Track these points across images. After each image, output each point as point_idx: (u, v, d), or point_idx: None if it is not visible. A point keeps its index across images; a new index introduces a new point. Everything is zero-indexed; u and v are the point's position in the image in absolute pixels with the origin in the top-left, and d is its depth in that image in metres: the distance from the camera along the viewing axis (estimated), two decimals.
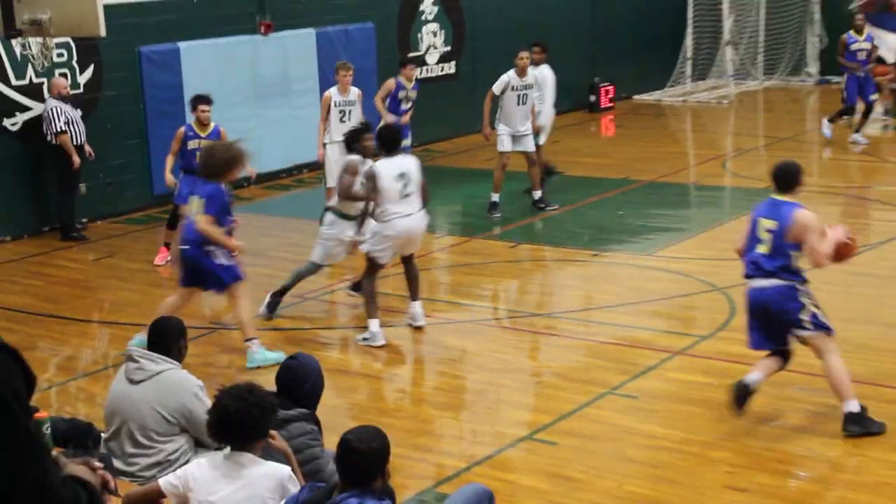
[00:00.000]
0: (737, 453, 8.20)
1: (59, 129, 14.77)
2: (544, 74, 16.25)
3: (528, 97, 15.46)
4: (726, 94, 25.41)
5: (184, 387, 7.00)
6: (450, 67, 21.56)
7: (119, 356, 9.12)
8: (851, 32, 19.44)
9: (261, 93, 17.98)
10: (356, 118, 14.37)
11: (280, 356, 9.36)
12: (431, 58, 21.18)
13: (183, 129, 13.72)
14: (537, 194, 15.88)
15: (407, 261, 11.14)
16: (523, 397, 9.62)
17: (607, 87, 24.17)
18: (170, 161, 13.74)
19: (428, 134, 19.94)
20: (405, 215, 10.70)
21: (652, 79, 26.19)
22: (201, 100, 13.63)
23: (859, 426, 8.36)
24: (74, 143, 14.89)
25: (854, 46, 18.97)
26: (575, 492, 7.71)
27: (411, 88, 15.92)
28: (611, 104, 24.17)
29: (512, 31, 21.95)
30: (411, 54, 20.63)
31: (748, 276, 8.66)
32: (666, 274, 12.70)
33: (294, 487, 5.58)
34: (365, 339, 10.78)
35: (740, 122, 23.30)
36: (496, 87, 15.40)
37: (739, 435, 8.49)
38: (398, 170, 10.69)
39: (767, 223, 8.52)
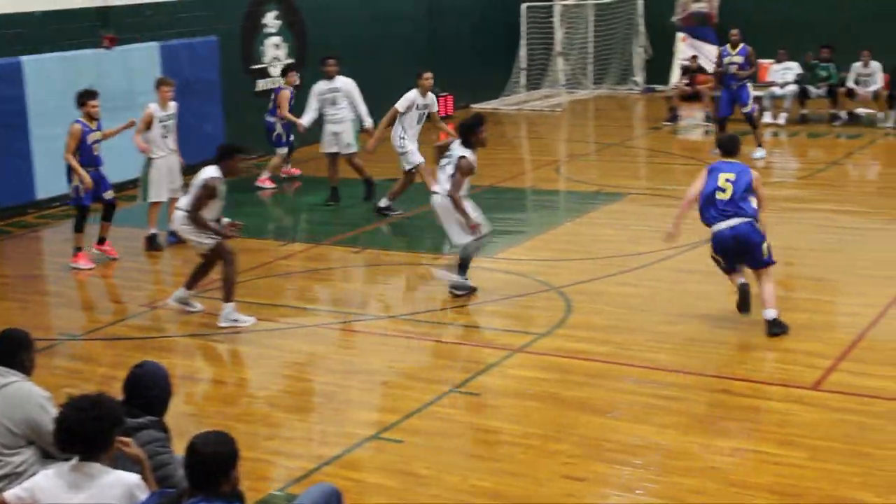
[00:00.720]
0: (574, 445, 8.27)
1: None
2: (348, 85, 16.51)
3: (426, 115, 15.68)
4: (559, 102, 25.78)
5: (30, 399, 6.76)
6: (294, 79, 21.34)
7: None
8: (727, 46, 19.75)
9: (106, 106, 17.50)
10: (173, 132, 14.40)
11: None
12: (275, 70, 20.98)
13: (78, 125, 13.54)
14: (384, 201, 15.86)
15: None
16: (370, 398, 9.56)
17: (446, 97, 24.26)
18: (74, 160, 13.48)
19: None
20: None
21: (489, 89, 26.42)
22: (90, 95, 13.65)
23: (780, 328, 10.32)
24: None
25: (727, 60, 19.37)
26: (421, 487, 7.68)
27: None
28: (450, 113, 24.27)
29: (351, 43, 21.89)
30: (254, 66, 20.47)
31: (712, 221, 10.53)
32: (505, 275, 12.78)
33: (143, 494, 5.46)
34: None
35: (572, 129, 23.65)
36: (401, 105, 15.39)
37: (577, 427, 8.57)
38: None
39: (728, 175, 10.49)
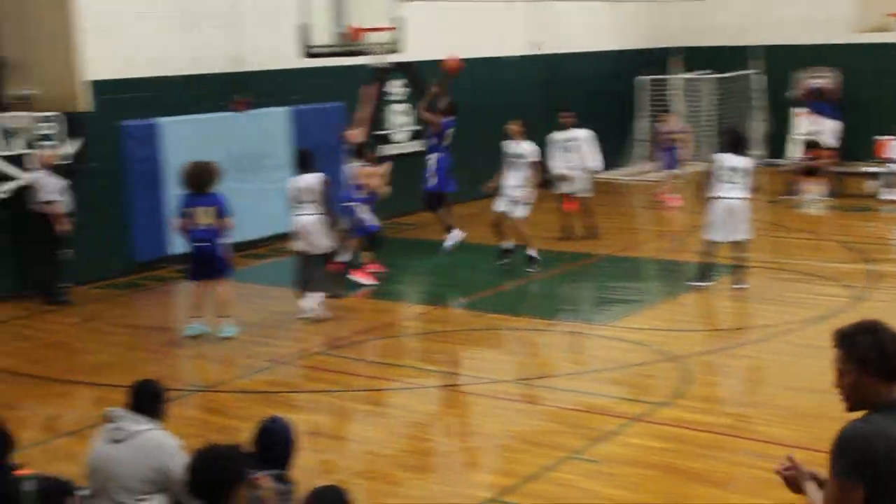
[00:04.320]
0: None
1: (47, 199, 14.72)
2: (584, 136, 18.16)
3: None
4: (678, 174, 25.61)
5: (163, 447, 6.90)
6: (416, 145, 21.62)
7: (100, 416, 9.00)
8: None
9: (237, 166, 17.94)
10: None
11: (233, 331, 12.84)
12: (401, 135, 21.24)
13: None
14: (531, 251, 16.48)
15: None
16: (488, 460, 9.55)
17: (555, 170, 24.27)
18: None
19: (397, 207, 19.90)
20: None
21: (610, 158, 26.38)
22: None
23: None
24: (62, 211, 14.83)
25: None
26: None
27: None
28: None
29: (468, 110, 22.08)
30: (379, 132, 20.76)
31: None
32: (623, 343, 12.69)
33: None
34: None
35: (691, 200, 23.39)
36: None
37: (694, 498, 8.46)
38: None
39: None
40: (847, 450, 4.27)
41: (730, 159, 14.75)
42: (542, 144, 17.22)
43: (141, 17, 16.90)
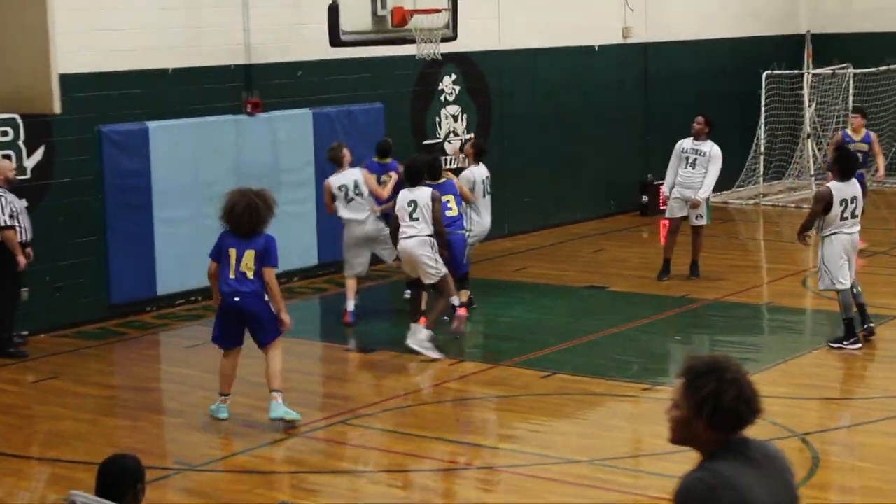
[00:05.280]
0: None
1: (2, 223, 14.72)
2: (714, 150, 18.63)
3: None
4: (807, 196, 25.41)
5: None
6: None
7: (61, 502, 9.03)
8: (847, 131, 19.84)
9: (246, 183, 17.95)
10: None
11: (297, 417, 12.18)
12: (451, 147, 21.24)
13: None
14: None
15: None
16: None
17: (663, 187, 24.18)
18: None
19: None
20: None
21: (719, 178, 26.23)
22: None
23: None
24: (20, 239, 14.83)
25: (852, 147, 19.27)
26: None
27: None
28: (666, 207, 24.15)
29: (546, 116, 22.06)
30: (427, 141, 20.75)
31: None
32: None
33: None
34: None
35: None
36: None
37: None
38: None
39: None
40: (688, 503, 4.71)
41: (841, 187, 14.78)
42: (638, 154, 17.16)
43: None
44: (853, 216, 14.65)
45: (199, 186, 17.21)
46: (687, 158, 18.53)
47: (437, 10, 17.66)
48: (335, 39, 16.85)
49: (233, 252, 12.18)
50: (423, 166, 15.28)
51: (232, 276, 12.16)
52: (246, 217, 12.19)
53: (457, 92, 21.55)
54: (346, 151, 16.41)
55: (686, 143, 18.66)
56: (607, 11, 24.15)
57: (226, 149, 17.82)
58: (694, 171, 18.45)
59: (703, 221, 18.61)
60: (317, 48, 17.87)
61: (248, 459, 11.59)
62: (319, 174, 18.30)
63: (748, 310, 17.27)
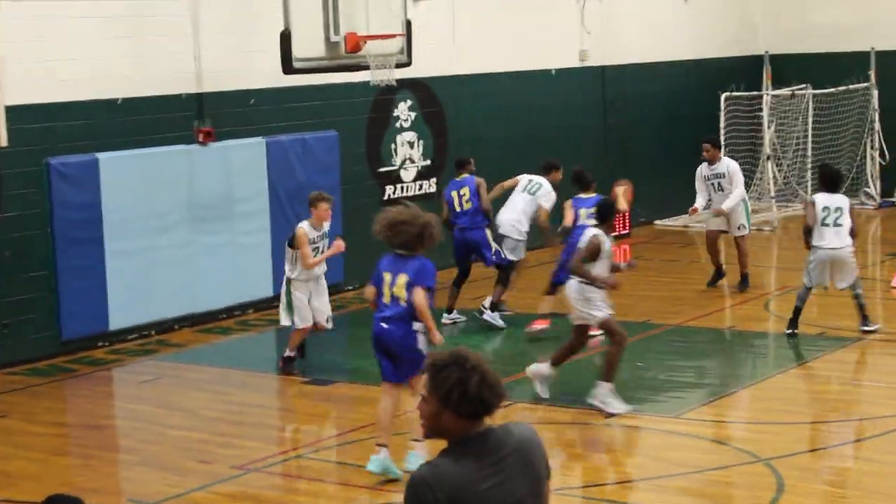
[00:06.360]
0: None
1: None
2: (732, 168, 19.63)
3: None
4: (768, 219, 25.52)
5: None
6: (430, 185, 21.59)
7: None
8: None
9: (198, 215, 17.92)
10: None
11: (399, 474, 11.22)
12: (407, 174, 21.23)
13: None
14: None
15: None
16: None
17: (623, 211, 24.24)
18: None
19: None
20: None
21: (677, 201, 26.27)
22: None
23: None
24: None
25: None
26: None
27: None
28: (627, 231, 24.20)
29: (504, 140, 22.06)
30: (383, 168, 20.73)
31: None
32: (696, 441, 12.57)
33: None
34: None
35: (785, 253, 23.32)
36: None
37: None
38: None
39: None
40: (409, 497, 5.13)
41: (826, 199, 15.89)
42: (597, 177, 17.19)
43: (72, 22, 16.88)
44: (835, 224, 15.65)
45: (151, 218, 17.14)
46: (712, 185, 19.47)
47: (391, 36, 17.68)
48: (288, 67, 16.81)
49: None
50: None
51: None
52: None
53: (412, 118, 21.54)
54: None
55: (704, 169, 19.53)
56: (564, 34, 24.25)
57: (178, 179, 17.74)
58: (723, 194, 19.32)
59: (745, 231, 19.61)
60: (269, 76, 17.84)
61: (205, 496, 11.50)
62: (274, 203, 18.28)
63: (710, 334, 17.29)
